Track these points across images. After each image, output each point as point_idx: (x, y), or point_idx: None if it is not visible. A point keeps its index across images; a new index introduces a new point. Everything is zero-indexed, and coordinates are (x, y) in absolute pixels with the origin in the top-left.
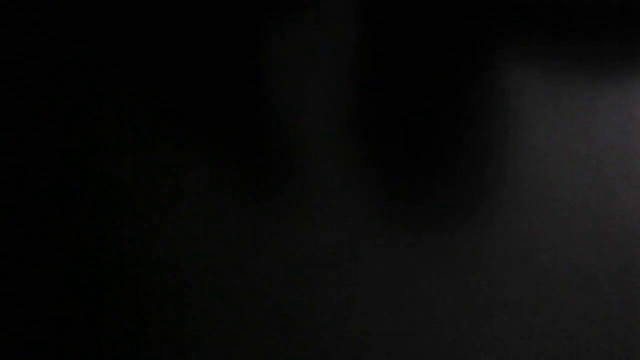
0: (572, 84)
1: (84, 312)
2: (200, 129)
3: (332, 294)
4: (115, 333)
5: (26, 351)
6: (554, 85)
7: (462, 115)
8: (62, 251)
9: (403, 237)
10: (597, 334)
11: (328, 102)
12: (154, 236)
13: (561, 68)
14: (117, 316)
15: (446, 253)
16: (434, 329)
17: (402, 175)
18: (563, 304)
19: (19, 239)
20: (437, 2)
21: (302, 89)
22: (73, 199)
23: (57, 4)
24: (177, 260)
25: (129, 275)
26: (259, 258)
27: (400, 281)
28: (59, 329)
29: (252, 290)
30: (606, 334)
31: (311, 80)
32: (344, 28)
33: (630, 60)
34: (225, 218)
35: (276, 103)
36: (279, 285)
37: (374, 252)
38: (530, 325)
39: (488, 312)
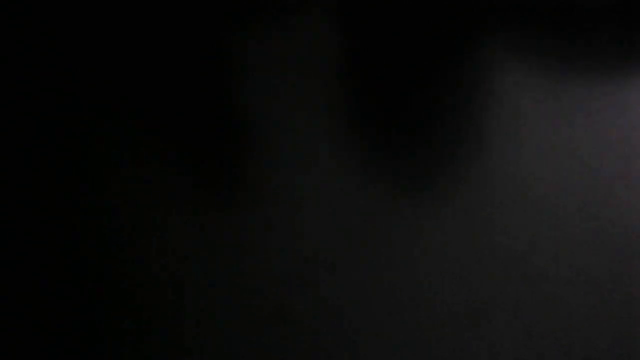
0: (571, 84)
1: (83, 313)
2: (189, 133)
3: (330, 293)
4: (114, 334)
5: (26, 352)
6: (554, 84)
7: (460, 116)
8: (59, 256)
9: (402, 241)
10: (597, 334)
11: (316, 102)
12: (153, 236)
13: (560, 67)
14: (115, 317)
15: (446, 254)
16: (434, 329)
17: (397, 178)
18: (563, 304)
19: (18, 241)
20: (436, 1)
21: (291, 90)
22: (69, 202)
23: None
24: (177, 261)
25: (128, 276)
26: (257, 257)
27: (399, 280)
28: (56, 333)
29: (251, 290)
30: (606, 334)
31: (297, 83)
32: (328, 29)
33: (630, 60)
34: (225, 217)
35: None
36: (279, 285)
37: (372, 251)
38: (530, 325)
39: (488, 313)
